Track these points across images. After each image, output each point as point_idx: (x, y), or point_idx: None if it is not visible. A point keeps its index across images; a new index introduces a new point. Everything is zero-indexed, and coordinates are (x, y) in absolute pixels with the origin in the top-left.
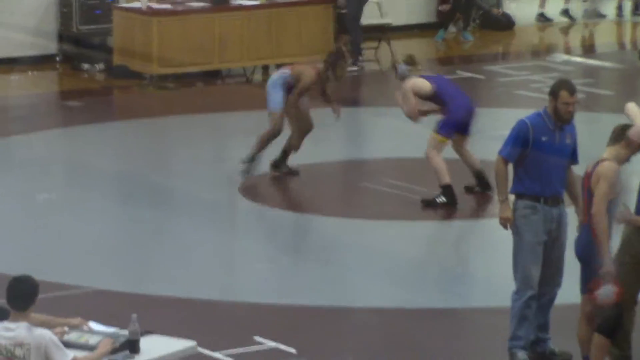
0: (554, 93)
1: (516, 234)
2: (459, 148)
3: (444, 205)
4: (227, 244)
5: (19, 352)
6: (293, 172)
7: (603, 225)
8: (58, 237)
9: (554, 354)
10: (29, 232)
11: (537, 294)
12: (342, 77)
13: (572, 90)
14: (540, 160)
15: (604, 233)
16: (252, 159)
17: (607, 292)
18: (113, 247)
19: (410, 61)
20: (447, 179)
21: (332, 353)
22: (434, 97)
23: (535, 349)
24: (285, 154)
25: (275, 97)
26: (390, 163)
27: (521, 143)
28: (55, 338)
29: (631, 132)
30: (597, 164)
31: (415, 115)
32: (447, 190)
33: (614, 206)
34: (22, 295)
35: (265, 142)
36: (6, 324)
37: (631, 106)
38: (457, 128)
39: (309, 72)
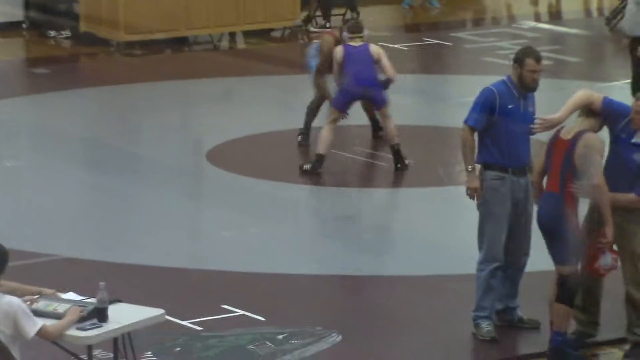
0: (519, 60)
1: (483, 204)
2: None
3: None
4: (194, 212)
5: None
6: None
7: (607, 195)
8: (25, 204)
9: (522, 322)
10: None
11: (506, 263)
12: None
13: (537, 58)
14: (508, 129)
15: (608, 203)
16: (306, 129)
17: (607, 261)
18: (81, 214)
19: (354, 29)
20: (322, 150)
21: (300, 321)
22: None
23: (504, 317)
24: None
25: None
26: (360, 130)
27: (488, 110)
28: (24, 306)
29: (545, 119)
30: (577, 135)
31: (335, 78)
32: (319, 159)
33: (581, 177)
34: None
35: (316, 109)
36: None
37: (577, 95)
38: (345, 102)
39: (327, 38)
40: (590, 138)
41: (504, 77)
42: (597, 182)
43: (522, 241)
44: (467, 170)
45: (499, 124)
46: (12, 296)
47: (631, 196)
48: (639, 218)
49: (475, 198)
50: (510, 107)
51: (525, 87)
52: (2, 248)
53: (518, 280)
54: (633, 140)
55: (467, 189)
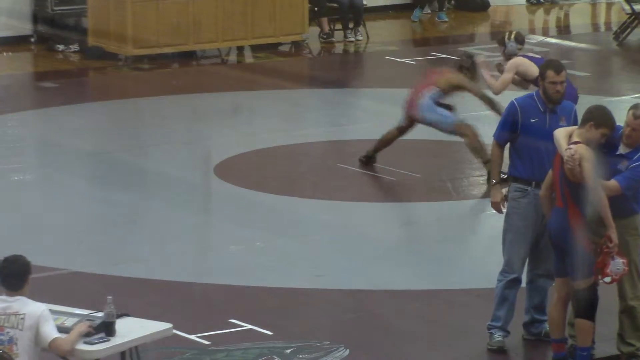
0: (541, 74)
1: (506, 215)
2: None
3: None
4: (202, 225)
5: (13, 320)
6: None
7: (604, 200)
8: (32, 218)
9: (548, 336)
10: (3, 213)
11: (535, 275)
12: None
13: (558, 69)
14: (530, 142)
15: (607, 207)
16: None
17: (617, 265)
18: (88, 228)
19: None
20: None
21: (308, 335)
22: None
23: (530, 330)
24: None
25: None
26: (366, 144)
27: (509, 125)
28: (48, 312)
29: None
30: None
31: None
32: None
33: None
34: (15, 275)
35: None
36: (4, 296)
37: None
38: None
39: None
40: (578, 150)
41: (533, 91)
42: (591, 183)
43: (550, 252)
44: (491, 184)
45: (521, 138)
46: (39, 303)
47: (612, 182)
48: (635, 230)
49: (500, 211)
50: (533, 121)
51: (549, 99)
52: (23, 259)
53: (545, 292)
54: (618, 153)
55: (491, 203)
